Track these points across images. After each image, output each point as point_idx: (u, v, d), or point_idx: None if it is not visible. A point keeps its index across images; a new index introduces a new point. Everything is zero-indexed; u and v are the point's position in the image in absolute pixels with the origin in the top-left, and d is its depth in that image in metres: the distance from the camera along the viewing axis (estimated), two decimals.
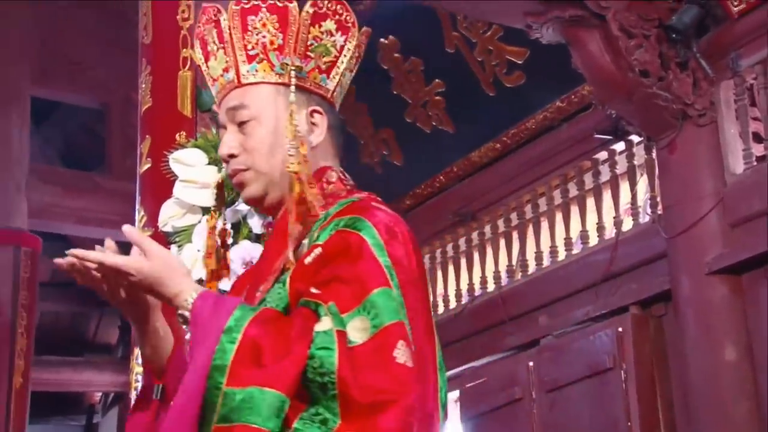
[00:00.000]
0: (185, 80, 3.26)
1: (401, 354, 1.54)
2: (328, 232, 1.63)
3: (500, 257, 6.18)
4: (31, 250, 6.04)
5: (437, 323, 6.02)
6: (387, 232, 1.64)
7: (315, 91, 1.75)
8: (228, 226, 2.89)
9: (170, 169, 3.03)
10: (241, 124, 1.71)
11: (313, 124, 1.74)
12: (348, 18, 1.78)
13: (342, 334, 1.53)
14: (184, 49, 3.30)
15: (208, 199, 2.97)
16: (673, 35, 4.66)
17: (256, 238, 2.95)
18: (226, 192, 2.95)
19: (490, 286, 6.19)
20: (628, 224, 5.36)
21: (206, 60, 1.77)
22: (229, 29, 1.70)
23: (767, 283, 4.43)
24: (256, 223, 2.95)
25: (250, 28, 1.69)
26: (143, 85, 3.38)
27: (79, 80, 7.75)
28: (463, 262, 6.50)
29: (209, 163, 3.02)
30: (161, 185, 3.07)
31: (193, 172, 3.00)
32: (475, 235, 6.44)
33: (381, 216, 1.67)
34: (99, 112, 8.29)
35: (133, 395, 2.98)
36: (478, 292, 6.28)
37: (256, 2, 1.70)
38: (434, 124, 6.55)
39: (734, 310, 4.54)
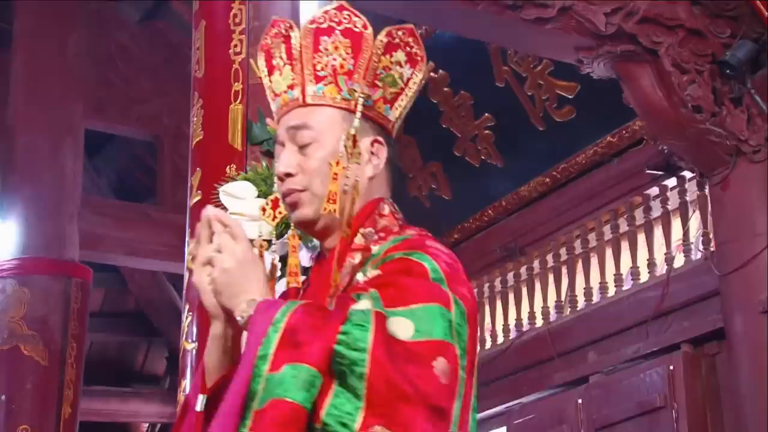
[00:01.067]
0: (236, 113, 3.29)
1: (440, 368, 1.50)
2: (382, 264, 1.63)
3: (549, 292, 6.12)
4: (82, 281, 6.12)
5: (485, 358, 6.05)
6: (448, 266, 1.63)
7: (378, 121, 1.73)
8: (277, 259, 2.92)
9: (220, 201, 3.05)
10: (301, 146, 1.69)
11: (373, 153, 1.72)
12: (418, 51, 1.73)
13: (381, 317, 1.49)
14: (236, 83, 3.34)
15: (257, 231, 2.99)
16: (727, 71, 4.61)
17: (304, 271, 2.95)
18: (276, 225, 2.99)
19: (539, 322, 6.13)
20: (679, 261, 5.29)
21: (270, 73, 1.74)
22: (301, 47, 1.68)
23: None
24: (304, 256, 2.95)
25: (321, 48, 1.67)
26: (194, 118, 3.42)
27: (131, 113, 7.88)
28: (511, 297, 6.45)
29: (259, 196, 3.04)
30: None
31: (242, 204, 3.01)
32: (523, 269, 6.40)
33: (439, 252, 1.66)
34: (151, 145, 8.40)
35: None
36: (526, 327, 6.22)
37: (331, 23, 1.67)
38: (483, 158, 6.53)
39: None
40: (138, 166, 9.39)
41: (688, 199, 5.30)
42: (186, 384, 3.01)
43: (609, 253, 5.74)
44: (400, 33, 1.71)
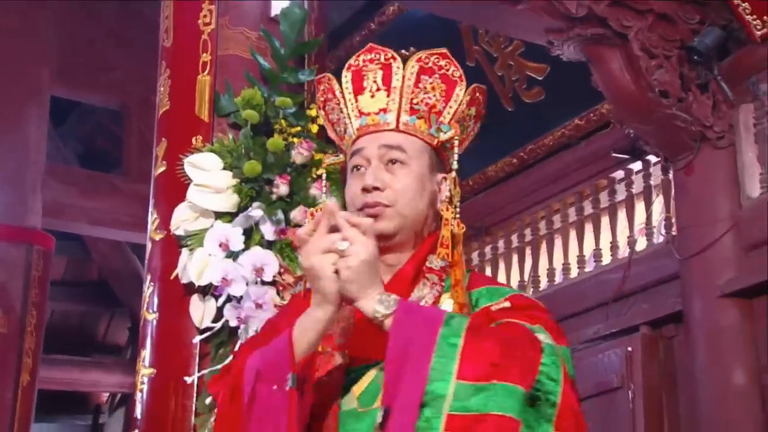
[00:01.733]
0: (204, 84, 3.25)
1: None
2: (493, 296, 1.78)
3: (512, 272, 6.16)
4: (44, 249, 6.06)
5: None
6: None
7: (447, 162, 1.88)
8: (240, 232, 2.91)
9: (185, 172, 3.03)
10: (390, 163, 1.81)
11: (440, 190, 1.87)
12: (482, 108, 1.92)
13: (563, 363, 1.65)
14: (204, 54, 3.30)
15: (222, 203, 2.98)
16: (695, 57, 4.64)
17: (268, 245, 2.95)
18: (240, 198, 2.98)
19: None
20: (641, 244, 5.34)
21: (356, 93, 1.86)
22: (403, 78, 1.83)
23: None
24: (268, 230, 2.95)
25: (421, 85, 1.83)
26: (161, 88, 3.38)
27: (98, 81, 7.78)
28: None
29: (224, 168, 3.03)
30: (175, 189, 3.07)
31: (207, 176, 3.00)
32: (488, 249, 6.43)
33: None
34: (118, 114, 8.32)
35: (138, 396, 2.97)
36: None
37: (434, 66, 1.84)
38: None
39: (744, 334, 4.52)
40: (104, 135, 9.30)
41: (652, 183, 5.35)
42: (146, 354, 2.99)
43: (573, 234, 5.78)
44: (478, 92, 1.89)
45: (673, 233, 4.99)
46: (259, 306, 2.83)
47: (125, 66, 7.74)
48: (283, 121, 3.10)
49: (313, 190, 3.06)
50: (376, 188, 1.79)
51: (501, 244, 6.36)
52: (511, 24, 4.74)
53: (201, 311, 2.89)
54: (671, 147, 4.82)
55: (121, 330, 10.16)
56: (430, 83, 1.83)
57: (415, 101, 1.82)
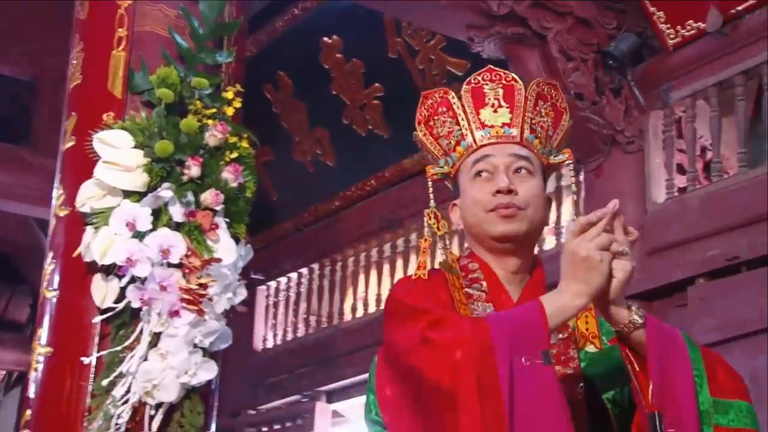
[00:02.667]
0: (118, 60, 3.18)
1: None
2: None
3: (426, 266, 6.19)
4: None
5: (357, 325, 6.04)
6: None
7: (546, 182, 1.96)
8: (149, 212, 2.87)
9: (94, 148, 2.97)
10: (517, 172, 1.89)
11: (545, 207, 1.94)
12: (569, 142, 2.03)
13: None
14: (120, 29, 3.23)
15: (130, 182, 2.93)
16: (610, 62, 4.73)
17: (176, 227, 2.91)
18: (150, 178, 2.93)
19: None
20: (550, 243, 5.42)
21: (477, 107, 1.95)
22: (525, 99, 1.93)
23: (675, 311, 4.52)
24: (177, 212, 2.91)
25: (537, 108, 1.94)
26: (74, 61, 3.30)
27: (13, 51, 7.57)
28: (387, 267, 6.50)
29: (135, 147, 2.97)
30: (83, 165, 3.00)
31: (117, 154, 2.94)
32: (400, 241, 6.45)
33: None
34: (30, 85, 8.11)
35: (33, 375, 2.90)
36: None
37: (550, 94, 1.96)
38: (370, 127, 6.55)
39: None
40: (15, 107, 9.06)
41: (562, 183, 5.43)
42: (43, 333, 2.93)
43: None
44: (570, 130, 2.00)
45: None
46: (163, 288, 2.79)
47: (39, 37, 7.53)
48: (198, 102, 3.06)
49: (226, 174, 3.03)
50: (510, 191, 1.86)
51: (413, 237, 6.39)
52: (434, 18, 4.77)
53: (103, 291, 2.84)
54: (583, 149, 4.90)
55: (22, 307, 9.92)
56: (545, 108, 1.95)
57: (534, 121, 1.93)
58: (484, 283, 1.90)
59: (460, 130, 1.95)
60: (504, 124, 1.92)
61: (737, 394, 1.74)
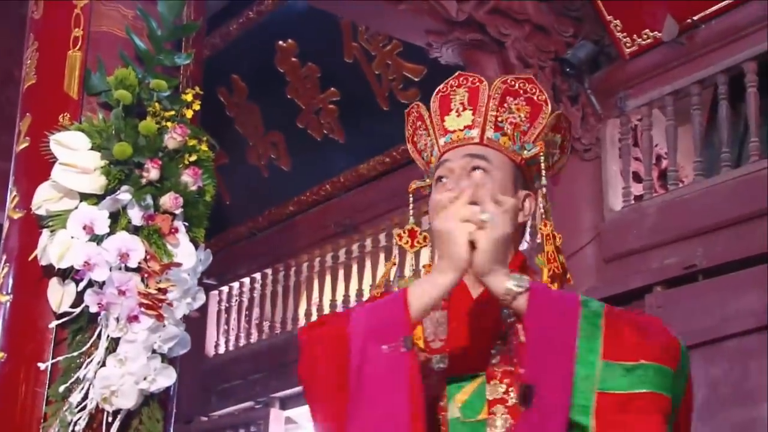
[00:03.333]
0: (74, 60, 3.12)
1: None
2: None
3: (378, 271, 6.18)
4: None
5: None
6: None
7: (530, 180, 1.91)
8: (107, 215, 2.81)
9: (50, 150, 2.91)
10: (473, 170, 1.84)
11: (522, 207, 1.88)
12: (569, 140, 1.99)
13: None
14: (76, 29, 3.16)
15: (88, 184, 2.87)
16: (567, 69, 4.76)
17: (135, 230, 2.86)
18: (108, 180, 2.88)
19: (366, 298, 6.17)
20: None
21: (443, 115, 1.93)
22: (488, 98, 1.89)
23: None
24: (135, 215, 2.86)
25: (505, 105, 1.89)
26: (28, 61, 3.23)
27: None
28: (341, 273, 6.47)
29: (92, 149, 2.92)
30: (38, 166, 2.93)
31: (74, 156, 2.88)
32: (355, 247, 6.43)
33: None
34: None
35: None
36: (353, 304, 6.26)
37: (520, 89, 1.91)
38: (325, 132, 6.52)
39: None
40: None
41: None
42: None
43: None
44: (563, 120, 1.96)
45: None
46: (122, 292, 2.72)
47: None
48: (157, 104, 3.01)
49: (185, 177, 2.98)
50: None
51: (368, 242, 6.37)
52: (393, 23, 4.76)
53: (59, 295, 2.77)
54: None
55: None
56: (515, 104, 1.90)
57: (500, 119, 1.89)
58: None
59: (432, 140, 1.94)
60: (465, 127, 1.90)
61: (644, 355, 1.62)
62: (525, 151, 1.88)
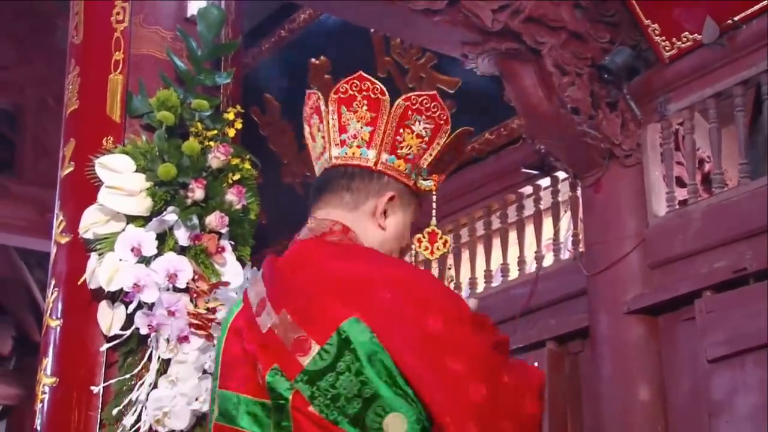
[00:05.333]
0: (116, 84, 3.14)
1: None
2: None
3: None
4: None
5: None
6: None
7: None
8: (152, 237, 2.80)
9: (95, 174, 2.91)
10: None
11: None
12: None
13: None
14: (117, 52, 3.18)
15: (134, 206, 2.87)
16: (605, 75, 4.71)
17: (182, 251, 2.85)
18: (154, 202, 2.87)
19: None
20: (549, 260, 5.38)
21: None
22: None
23: (682, 325, 4.48)
24: (182, 235, 2.85)
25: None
26: (70, 86, 3.25)
27: None
28: None
29: (137, 171, 2.92)
30: (83, 190, 2.95)
31: (119, 178, 2.89)
32: None
33: None
34: (8, 115, 8.01)
35: (39, 406, 2.83)
36: None
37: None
38: None
39: (649, 350, 4.58)
40: None
41: (560, 199, 5.40)
42: (48, 363, 2.85)
43: (480, 249, 5.79)
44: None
45: (581, 250, 5.04)
46: (171, 313, 2.72)
47: (17, 66, 7.45)
48: (199, 124, 3.01)
49: (229, 196, 2.98)
50: None
51: (408, 258, 6.33)
52: (427, 35, 4.73)
53: (109, 318, 2.77)
54: (580, 164, 4.87)
55: (5, 339, 9.75)
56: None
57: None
58: None
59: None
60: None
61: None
62: (421, 180, 1.84)
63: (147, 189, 2.89)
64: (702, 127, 4.71)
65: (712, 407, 4.21)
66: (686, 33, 4.57)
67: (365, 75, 1.85)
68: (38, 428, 2.81)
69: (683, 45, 4.59)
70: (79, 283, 2.84)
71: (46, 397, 2.82)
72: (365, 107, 1.83)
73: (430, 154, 1.84)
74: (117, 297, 2.79)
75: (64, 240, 2.96)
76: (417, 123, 1.84)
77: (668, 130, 4.75)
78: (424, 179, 1.85)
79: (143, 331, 2.74)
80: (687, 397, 4.42)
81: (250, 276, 2.99)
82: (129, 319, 2.76)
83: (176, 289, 2.77)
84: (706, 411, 4.24)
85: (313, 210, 1.87)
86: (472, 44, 4.62)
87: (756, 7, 4.33)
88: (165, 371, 2.73)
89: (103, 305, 2.80)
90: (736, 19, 4.38)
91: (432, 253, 1.90)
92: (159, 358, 2.73)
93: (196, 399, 2.73)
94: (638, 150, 4.77)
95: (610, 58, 4.71)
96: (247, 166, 3.10)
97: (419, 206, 1.88)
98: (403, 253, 1.86)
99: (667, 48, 4.65)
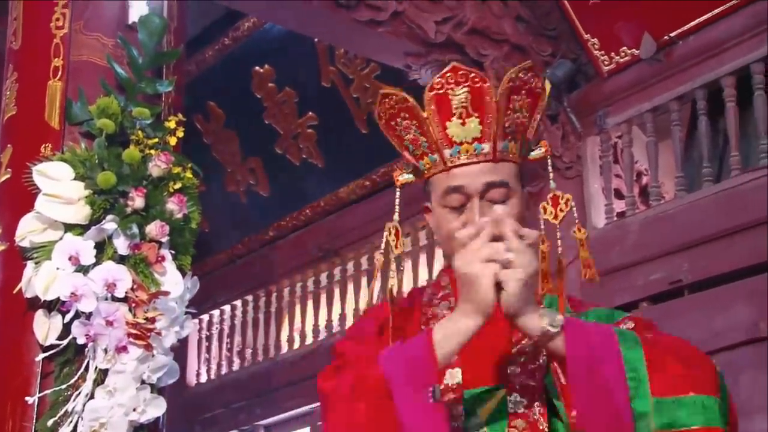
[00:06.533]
0: (54, 90, 3.10)
1: None
2: (603, 318, 1.78)
3: (361, 295, 6.15)
4: None
5: (293, 357, 5.92)
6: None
7: (525, 172, 1.81)
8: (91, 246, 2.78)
9: (33, 181, 2.87)
10: (492, 199, 1.74)
11: (528, 207, 1.83)
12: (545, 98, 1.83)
13: None
14: (56, 59, 3.14)
15: (72, 215, 2.84)
16: None
17: (121, 260, 2.83)
18: (93, 210, 2.85)
19: (349, 324, 6.14)
20: None
21: (443, 119, 1.74)
22: (497, 104, 1.72)
23: None
24: (121, 244, 2.83)
25: (511, 105, 1.72)
26: (8, 92, 3.20)
27: None
28: (324, 297, 6.44)
29: (75, 179, 2.89)
30: (20, 198, 2.91)
31: (58, 186, 2.85)
32: (337, 271, 6.40)
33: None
34: None
35: None
36: (336, 329, 6.23)
37: (521, 83, 1.73)
38: (304, 157, 6.50)
39: None
40: None
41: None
42: None
43: (423, 258, 5.82)
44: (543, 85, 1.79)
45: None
46: (109, 323, 2.69)
47: None
48: (140, 132, 2.99)
49: (170, 205, 2.96)
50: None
51: (350, 266, 6.35)
52: (371, 45, 4.76)
53: (46, 328, 2.74)
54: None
55: None
56: (518, 102, 1.74)
57: (507, 124, 1.73)
58: (453, 299, 1.76)
59: (427, 142, 1.76)
60: (474, 139, 1.73)
61: (693, 387, 1.56)
62: (533, 152, 1.79)
63: (86, 197, 2.86)
64: (640, 140, 4.80)
65: None
66: (624, 48, 4.65)
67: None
68: None
69: (621, 60, 4.67)
70: (14, 291, 2.79)
71: None
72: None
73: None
74: (54, 306, 2.75)
75: (0, 248, 2.91)
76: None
77: (607, 143, 4.83)
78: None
79: (81, 340, 2.70)
80: None
81: (190, 285, 2.98)
82: (66, 329, 2.73)
83: (115, 299, 2.75)
84: None
85: None
86: (416, 55, 4.66)
87: (692, 23, 4.43)
88: (102, 381, 2.70)
89: (40, 314, 2.76)
90: (673, 35, 4.47)
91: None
92: (96, 368, 2.70)
93: (134, 409, 2.71)
94: (578, 162, 4.85)
95: (551, 71, 4.78)
96: (189, 174, 3.08)
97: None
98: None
99: (606, 62, 4.73)
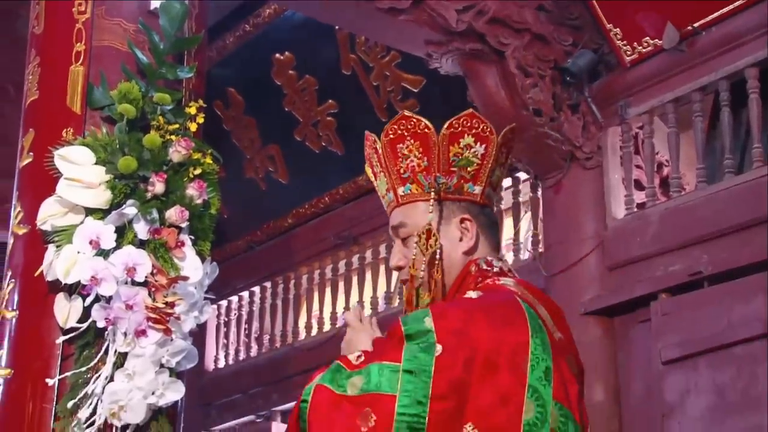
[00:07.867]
0: (77, 75, 3.11)
1: None
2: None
3: (379, 283, 6.16)
4: None
5: (312, 343, 5.95)
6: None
7: (464, 199, 1.95)
8: (113, 230, 2.80)
9: (54, 165, 2.89)
10: (404, 239, 1.95)
11: (465, 229, 1.94)
12: (484, 128, 1.96)
13: None
14: (78, 44, 3.15)
15: (93, 199, 2.85)
16: (567, 78, 4.75)
17: (141, 244, 2.84)
18: (114, 195, 2.86)
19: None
20: (508, 259, 5.38)
21: (374, 178, 2.03)
22: (384, 155, 1.95)
23: (638, 327, 4.54)
24: (141, 229, 2.84)
25: (399, 154, 1.93)
26: (30, 77, 3.22)
27: None
28: (342, 285, 6.45)
29: (97, 163, 2.90)
30: (42, 182, 2.92)
31: (79, 170, 2.86)
32: (355, 258, 6.41)
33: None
34: None
35: None
36: None
37: (400, 132, 1.93)
38: (323, 144, 6.51)
39: (605, 351, 4.64)
40: None
41: (521, 199, 5.44)
42: (2, 354, 2.83)
43: None
44: (461, 120, 1.94)
45: (540, 250, 5.08)
46: (129, 307, 2.71)
47: None
48: (160, 118, 3.00)
49: (190, 190, 2.97)
50: (399, 267, 1.97)
51: (369, 254, 6.35)
52: (392, 34, 4.75)
53: (66, 311, 2.75)
54: (542, 165, 4.91)
55: None
56: (406, 148, 1.92)
57: (401, 171, 1.93)
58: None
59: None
60: (387, 190, 1.98)
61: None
62: (437, 185, 1.91)
63: (107, 182, 2.87)
64: (661, 131, 4.77)
65: (665, 408, 4.27)
66: (647, 38, 4.63)
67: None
68: None
69: (644, 50, 4.65)
70: (36, 274, 2.81)
71: (1, 388, 2.80)
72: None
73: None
74: (74, 289, 2.77)
75: (21, 231, 2.93)
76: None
77: (628, 133, 4.81)
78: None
79: (100, 324, 2.72)
80: (641, 398, 4.47)
81: (209, 271, 2.99)
82: (86, 312, 2.74)
83: (134, 283, 2.76)
84: (659, 412, 4.30)
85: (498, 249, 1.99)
86: (436, 44, 4.65)
87: (716, 14, 4.40)
88: (122, 365, 2.72)
89: (60, 297, 2.78)
90: (696, 25, 4.45)
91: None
92: (116, 351, 2.71)
93: (153, 393, 2.72)
94: (598, 153, 4.83)
95: (573, 61, 4.76)
96: (209, 160, 3.08)
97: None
98: None
99: (629, 52, 4.70)
